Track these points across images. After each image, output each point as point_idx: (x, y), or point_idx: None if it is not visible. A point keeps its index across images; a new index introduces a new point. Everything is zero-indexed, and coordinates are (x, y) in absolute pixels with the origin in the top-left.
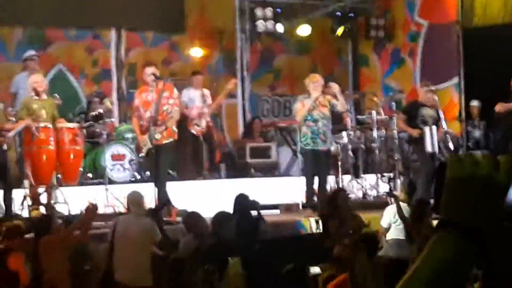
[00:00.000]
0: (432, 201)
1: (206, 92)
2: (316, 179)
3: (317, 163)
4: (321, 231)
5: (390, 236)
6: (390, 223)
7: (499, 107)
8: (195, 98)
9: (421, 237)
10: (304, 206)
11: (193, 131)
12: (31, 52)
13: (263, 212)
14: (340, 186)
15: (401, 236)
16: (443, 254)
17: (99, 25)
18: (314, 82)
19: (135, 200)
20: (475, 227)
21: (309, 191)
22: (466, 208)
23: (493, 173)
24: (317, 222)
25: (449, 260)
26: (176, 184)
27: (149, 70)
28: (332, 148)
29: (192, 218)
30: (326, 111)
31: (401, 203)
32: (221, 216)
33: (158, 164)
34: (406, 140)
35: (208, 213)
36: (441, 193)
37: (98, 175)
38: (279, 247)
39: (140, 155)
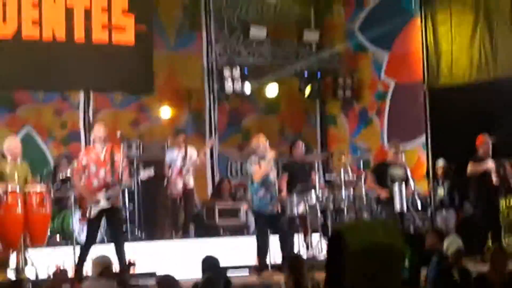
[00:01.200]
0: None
1: (192, 151)
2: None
3: (275, 225)
4: None
5: None
6: None
7: (472, 168)
8: (176, 158)
9: None
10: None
11: (171, 195)
12: None
13: (231, 273)
14: (308, 246)
15: None
16: None
17: (67, 87)
18: (265, 143)
19: (104, 264)
20: None
21: (261, 253)
22: (372, 282)
23: (391, 240)
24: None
25: None
26: (141, 244)
27: (100, 128)
28: (301, 208)
29: (166, 282)
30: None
31: None
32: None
33: (117, 226)
34: (375, 199)
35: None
36: (336, 266)
37: (67, 238)
38: None
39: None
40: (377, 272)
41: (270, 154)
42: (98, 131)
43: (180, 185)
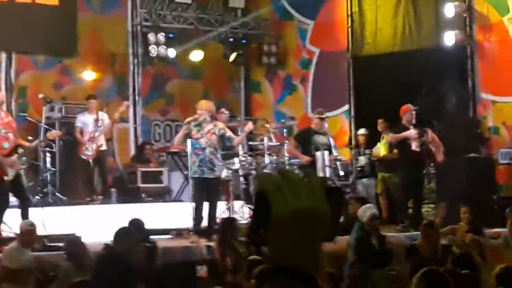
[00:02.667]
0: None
1: (103, 115)
2: (205, 206)
3: (206, 191)
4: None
5: None
6: None
7: (391, 138)
8: (89, 122)
9: None
10: (192, 231)
11: (83, 156)
12: None
13: (154, 237)
14: (231, 212)
15: None
16: None
17: None
18: (211, 109)
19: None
20: (308, 272)
21: (197, 218)
22: (297, 249)
23: (315, 204)
24: (208, 247)
25: None
26: (66, 208)
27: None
28: (224, 174)
29: (73, 245)
30: (214, 139)
31: None
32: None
33: (24, 189)
34: (298, 166)
35: (98, 239)
36: (259, 223)
37: None
38: (175, 274)
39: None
40: (301, 237)
41: (214, 123)
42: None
43: (93, 148)
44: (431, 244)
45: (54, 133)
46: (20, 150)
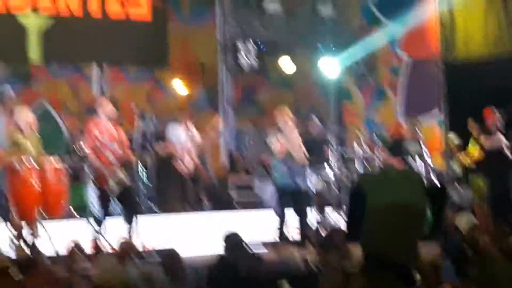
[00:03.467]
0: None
1: (191, 125)
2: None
3: (294, 201)
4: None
5: None
6: None
7: (488, 143)
8: (181, 135)
9: None
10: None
11: (179, 170)
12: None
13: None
14: (325, 222)
15: None
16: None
17: (82, 60)
18: (286, 117)
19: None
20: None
21: (281, 228)
22: (390, 242)
23: (414, 198)
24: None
25: None
26: (159, 218)
27: (109, 105)
28: (318, 185)
29: (171, 258)
30: (300, 150)
31: None
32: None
33: (129, 206)
34: None
35: (192, 249)
36: (356, 221)
37: (83, 212)
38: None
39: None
40: (396, 230)
41: (295, 131)
42: (110, 108)
43: (188, 163)
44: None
45: (167, 149)
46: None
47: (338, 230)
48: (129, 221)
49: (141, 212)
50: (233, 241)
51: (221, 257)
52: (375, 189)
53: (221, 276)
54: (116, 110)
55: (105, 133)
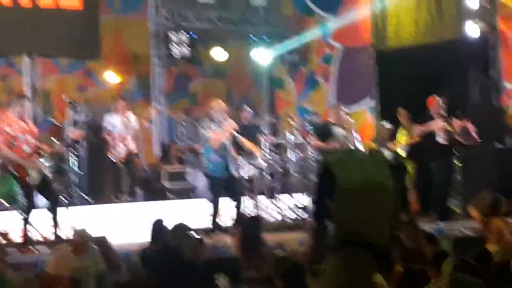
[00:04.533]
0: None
1: (130, 116)
2: (223, 204)
3: (227, 189)
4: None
5: None
6: None
7: (417, 130)
8: (117, 124)
9: None
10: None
11: (113, 158)
12: None
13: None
14: (259, 208)
15: None
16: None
17: (12, 51)
18: (222, 109)
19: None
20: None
21: (214, 216)
22: (363, 222)
23: (381, 178)
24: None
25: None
26: (92, 208)
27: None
28: (250, 172)
29: (101, 246)
30: (230, 137)
31: None
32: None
33: (52, 191)
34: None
35: (125, 238)
36: (323, 196)
37: (11, 202)
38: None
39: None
40: (367, 209)
41: (231, 126)
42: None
43: (122, 150)
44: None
45: (77, 133)
46: (42, 153)
47: (256, 218)
48: (52, 211)
49: (74, 203)
50: (179, 229)
51: (164, 243)
52: (343, 168)
53: (164, 261)
54: (46, 102)
55: (15, 128)
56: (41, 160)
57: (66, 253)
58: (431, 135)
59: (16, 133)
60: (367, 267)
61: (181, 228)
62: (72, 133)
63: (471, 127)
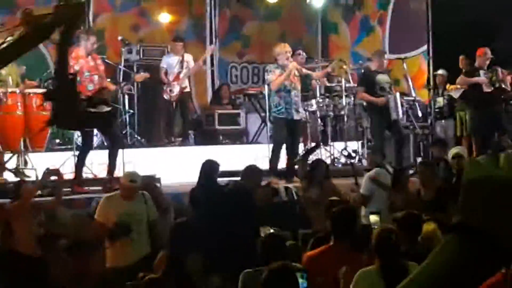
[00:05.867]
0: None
1: (188, 57)
2: (283, 147)
3: (289, 132)
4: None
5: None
6: (372, 191)
7: (461, 81)
8: (174, 64)
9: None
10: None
11: (167, 97)
12: None
13: (232, 178)
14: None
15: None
16: (456, 258)
17: None
18: (286, 52)
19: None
20: (495, 233)
21: (276, 160)
22: (485, 212)
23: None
24: (286, 189)
25: (461, 266)
26: (145, 150)
27: (94, 38)
28: (302, 116)
29: (147, 187)
30: (297, 81)
31: (377, 169)
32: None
33: (113, 130)
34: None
35: (177, 180)
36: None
37: (66, 141)
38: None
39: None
40: (495, 206)
41: (292, 65)
42: (92, 42)
43: (177, 90)
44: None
45: (142, 75)
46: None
47: (321, 162)
48: (112, 152)
49: (126, 145)
50: (251, 169)
51: (236, 182)
52: (475, 163)
53: (236, 200)
54: (100, 41)
55: (82, 64)
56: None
57: (115, 197)
58: (476, 86)
59: (82, 70)
60: None
61: (256, 171)
62: (139, 76)
63: (505, 76)
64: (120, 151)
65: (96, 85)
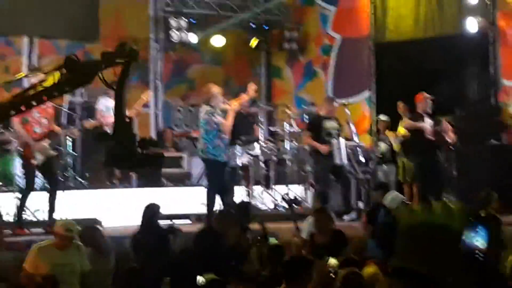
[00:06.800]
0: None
1: None
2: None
3: (228, 175)
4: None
5: None
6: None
7: (407, 125)
8: (111, 107)
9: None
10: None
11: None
12: None
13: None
14: (250, 198)
15: None
16: None
17: (12, 32)
18: (220, 94)
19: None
20: (431, 275)
21: (212, 203)
22: (422, 256)
23: (447, 221)
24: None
25: None
26: (86, 192)
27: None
28: (244, 160)
29: (90, 231)
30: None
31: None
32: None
33: (54, 174)
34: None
35: (118, 223)
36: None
37: (8, 183)
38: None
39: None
40: (431, 250)
41: (233, 104)
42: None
43: None
44: (324, 231)
45: (93, 123)
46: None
47: (243, 204)
48: (52, 194)
49: (68, 187)
50: (224, 212)
51: (207, 228)
52: (410, 210)
53: (205, 245)
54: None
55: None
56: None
57: (48, 247)
58: (419, 131)
59: (33, 112)
60: None
61: (228, 214)
62: (90, 123)
63: (448, 129)
64: (62, 193)
65: (44, 128)
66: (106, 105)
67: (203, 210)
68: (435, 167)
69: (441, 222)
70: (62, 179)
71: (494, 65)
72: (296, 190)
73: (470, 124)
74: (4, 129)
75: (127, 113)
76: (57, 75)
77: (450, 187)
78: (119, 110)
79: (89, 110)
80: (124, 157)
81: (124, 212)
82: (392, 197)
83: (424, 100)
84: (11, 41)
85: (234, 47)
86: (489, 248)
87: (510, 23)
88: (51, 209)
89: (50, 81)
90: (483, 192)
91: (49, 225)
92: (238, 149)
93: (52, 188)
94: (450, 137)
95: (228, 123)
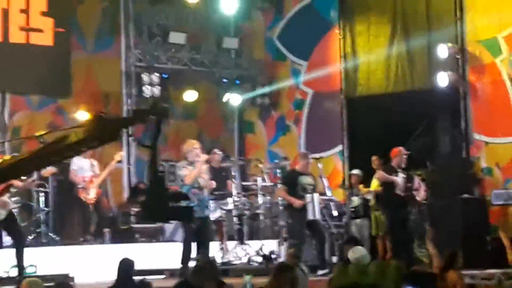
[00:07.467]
0: None
1: (94, 162)
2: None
3: (202, 230)
4: None
5: None
6: None
7: (380, 176)
8: (85, 167)
9: None
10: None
11: (83, 199)
12: None
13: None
14: (226, 252)
15: None
16: None
17: None
18: (195, 148)
19: None
20: None
21: (187, 258)
22: None
23: (379, 281)
24: None
25: None
26: (58, 248)
27: None
28: (217, 214)
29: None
30: (207, 178)
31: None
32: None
33: (18, 229)
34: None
35: (91, 279)
36: None
37: None
38: None
39: None
40: None
41: (202, 158)
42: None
43: (93, 193)
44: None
45: (49, 170)
46: (13, 190)
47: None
48: (18, 250)
49: (41, 243)
50: (200, 267)
51: (184, 282)
52: (342, 270)
53: None
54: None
55: None
56: (8, 196)
57: None
58: (390, 185)
59: None
60: None
61: (204, 269)
62: (45, 171)
63: (420, 186)
64: (34, 249)
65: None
66: (79, 165)
67: (177, 265)
68: (406, 221)
69: (372, 282)
70: (34, 235)
71: (465, 119)
72: (270, 245)
73: (442, 177)
74: None
75: (103, 173)
76: (80, 131)
77: (421, 241)
78: (154, 165)
79: (61, 165)
80: (159, 210)
81: (97, 268)
82: (352, 252)
83: (400, 155)
84: None
85: (206, 101)
86: None
87: (480, 77)
88: (20, 266)
89: (73, 137)
90: (447, 252)
91: (19, 281)
92: (211, 203)
93: (18, 245)
94: (421, 195)
95: (190, 175)
